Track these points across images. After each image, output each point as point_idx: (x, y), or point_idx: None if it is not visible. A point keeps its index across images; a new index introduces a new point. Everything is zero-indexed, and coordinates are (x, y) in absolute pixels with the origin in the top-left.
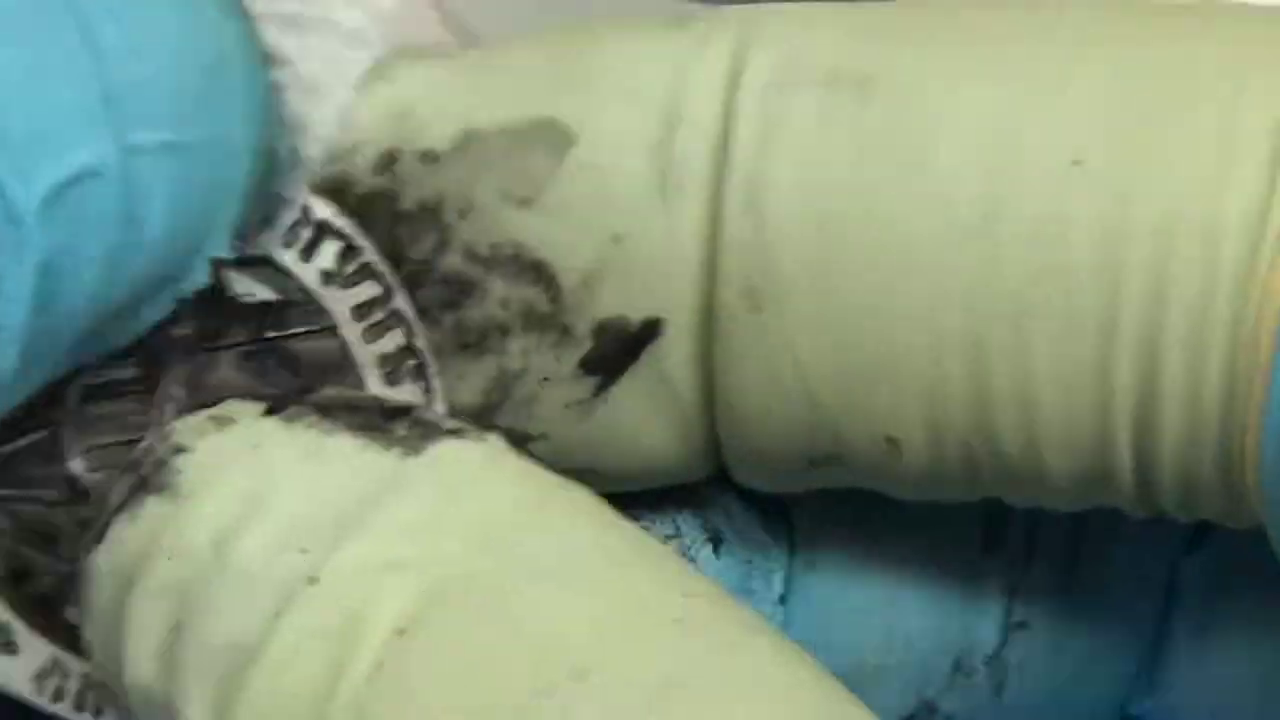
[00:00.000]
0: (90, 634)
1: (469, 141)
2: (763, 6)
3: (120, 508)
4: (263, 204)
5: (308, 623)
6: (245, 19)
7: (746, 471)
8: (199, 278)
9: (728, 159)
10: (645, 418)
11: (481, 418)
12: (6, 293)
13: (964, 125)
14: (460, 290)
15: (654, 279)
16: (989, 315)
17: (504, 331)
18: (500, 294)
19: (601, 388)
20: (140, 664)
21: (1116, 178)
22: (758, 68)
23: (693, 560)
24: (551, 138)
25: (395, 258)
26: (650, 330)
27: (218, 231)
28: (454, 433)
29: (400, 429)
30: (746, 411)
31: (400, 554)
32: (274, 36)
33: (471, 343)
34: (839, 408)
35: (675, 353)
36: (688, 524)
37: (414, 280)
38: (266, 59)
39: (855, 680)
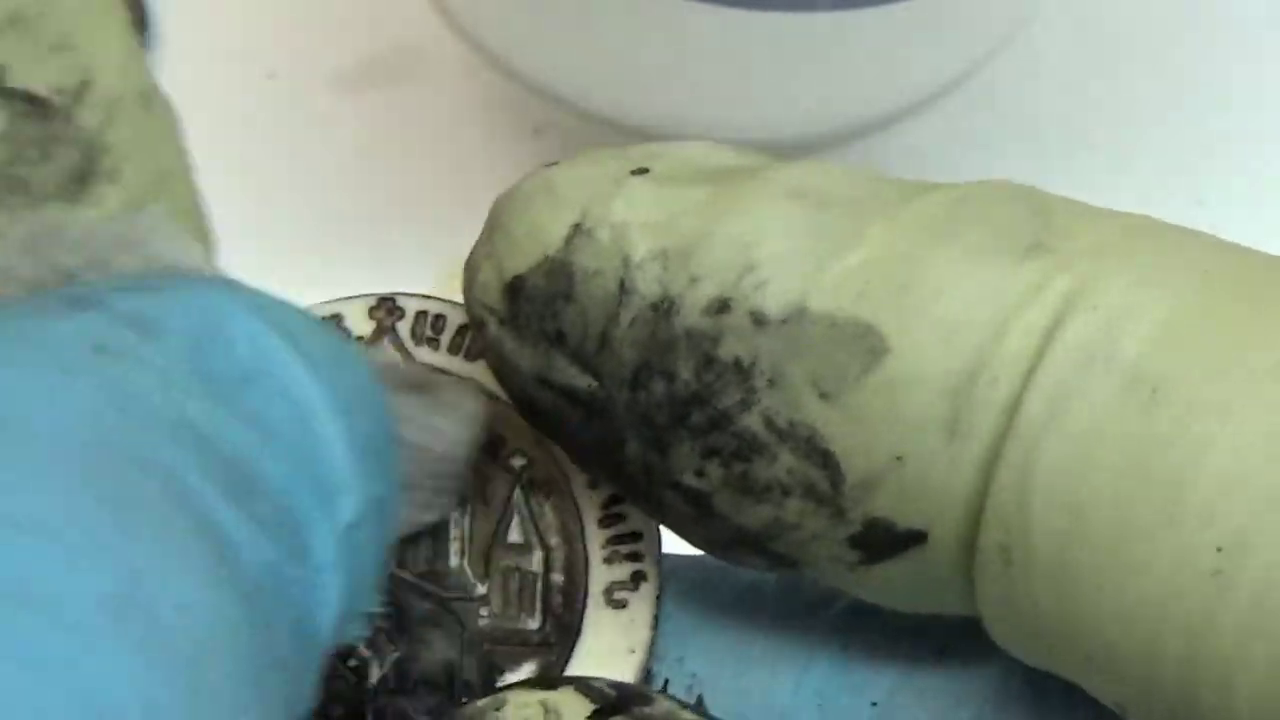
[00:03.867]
0: None
1: (799, 319)
2: (1116, 241)
3: None
4: None
5: None
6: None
7: (1010, 649)
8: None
9: (1013, 426)
10: (908, 588)
11: (756, 543)
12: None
13: (1217, 467)
14: (752, 447)
15: (925, 503)
16: (1206, 647)
17: (785, 492)
18: (788, 464)
19: (866, 561)
20: None
21: None
22: (1072, 339)
23: None
24: (868, 344)
25: (695, 398)
26: (915, 538)
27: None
28: None
29: None
30: (1005, 630)
31: None
32: None
33: (754, 491)
34: (1070, 667)
35: (938, 559)
36: None
37: (704, 417)
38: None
39: None
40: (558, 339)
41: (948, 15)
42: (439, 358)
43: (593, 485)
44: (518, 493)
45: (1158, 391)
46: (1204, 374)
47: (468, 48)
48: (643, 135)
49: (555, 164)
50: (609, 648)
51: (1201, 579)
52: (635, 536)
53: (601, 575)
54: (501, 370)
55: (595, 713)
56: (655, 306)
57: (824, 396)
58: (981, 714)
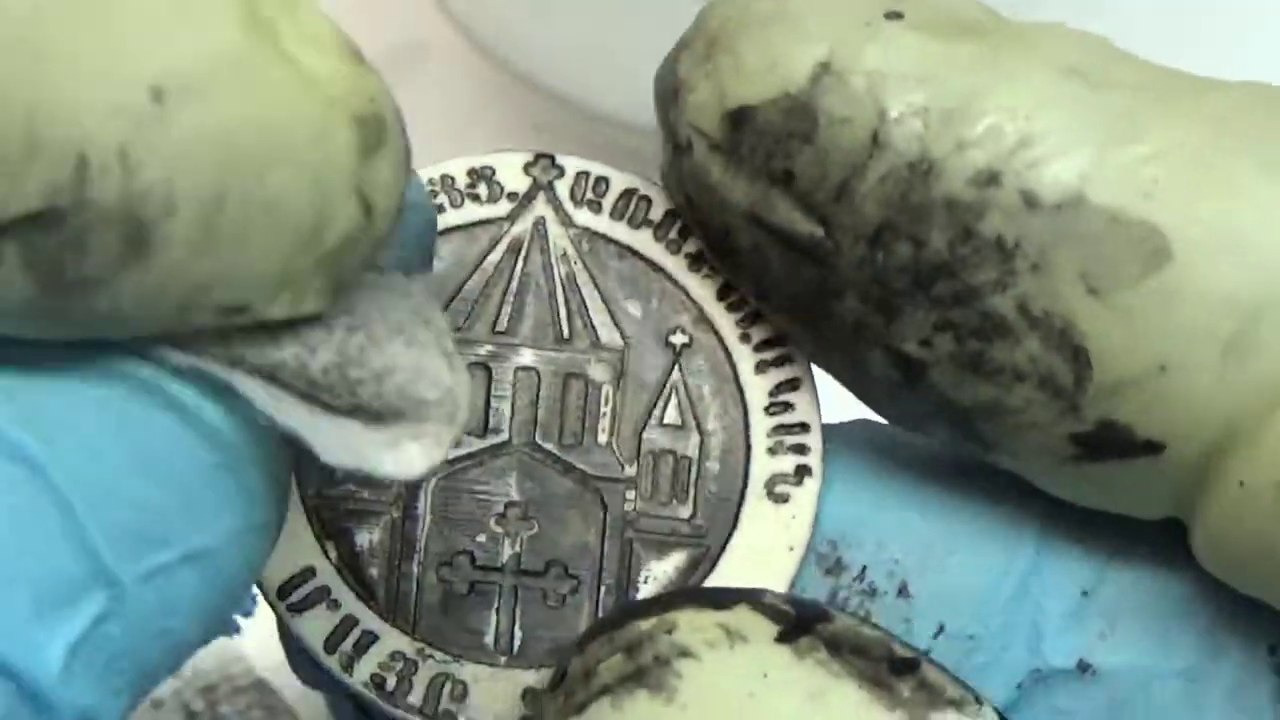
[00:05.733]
0: None
1: (1076, 206)
2: None
3: (606, 690)
4: None
5: None
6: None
7: (1209, 566)
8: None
9: None
10: (1114, 490)
11: (962, 421)
12: None
13: None
14: (997, 329)
15: (1177, 416)
16: None
17: (1019, 378)
18: (1033, 351)
19: (1081, 460)
20: None
21: None
22: None
23: None
24: (1152, 245)
25: (943, 269)
26: (1151, 449)
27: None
28: (955, 703)
29: (906, 689)
30: (1232, 553)
31: None
32: None
33: (983, 371)
34: None
35: (1166, 471)
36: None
37: (948, 289)
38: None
39: None
40: (784, 179)
41: None
42: (601, 221)
43: (744, 338)
44: (676, 371)
45: None
46: None
47: (469, 46)
48: (644, 134)
49: None
50: (767, 544)
51: None
52: (803, 428)
53: (764, 466)
54: (699, 197)
55: (781, 634)
56: (913, 166)
57: (1092, 292)
58: (1189, 608)
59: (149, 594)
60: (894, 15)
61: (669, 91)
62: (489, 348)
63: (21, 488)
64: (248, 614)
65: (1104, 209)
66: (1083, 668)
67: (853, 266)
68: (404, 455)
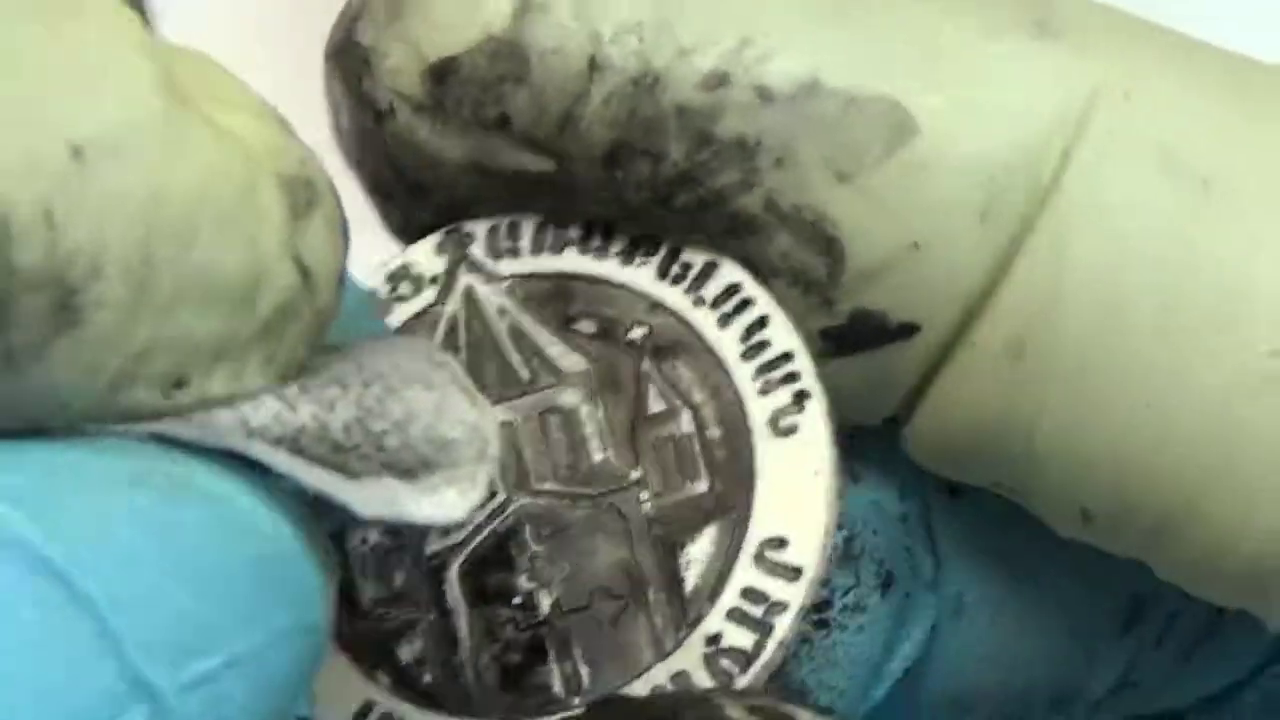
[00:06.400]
0: None
1: (811, 94)
2: (1125, 27)
3: None
4: None
5: None
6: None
7: (925, 459)
8: None
9: (1046, 207)
10: (850, 386)
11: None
12: None
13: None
14: (747, 228)
15: (932, 293)
16: (1242, 457)
17: (772, 273)
18: (783, 247)
19: (828, 354)
20: None
21: None
22: (1108, 119)
23: (862, 610)
24: (894, 120)
25: (684, 178)
26: (904, 333)
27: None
28: None
29: None
30: (952, 431)
31: None
32: None
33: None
34: (1050, 470)
35: (913, 356)
36: (866, 571)
37: (692, 197)
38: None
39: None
40: (499, 123)
41: None
42: (524, 263)
43: (698, 302)
44: (646, 363)
45: (1210, 185)
46: (1256, 171)
47: None
48: None
49: None
50: (790, 479)
51: (1253, 387)
52: (786, 357)
53: (761, 408)
54: (411, 162)
55: None
56: (636, 82)
57: (840, 177)
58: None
59: (193, 704)
60: None
61: (355, 63)
62: None
63: (52, 602)
64: None
65: (840, 91)
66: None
67: (593, 189)
68: (442, 499)
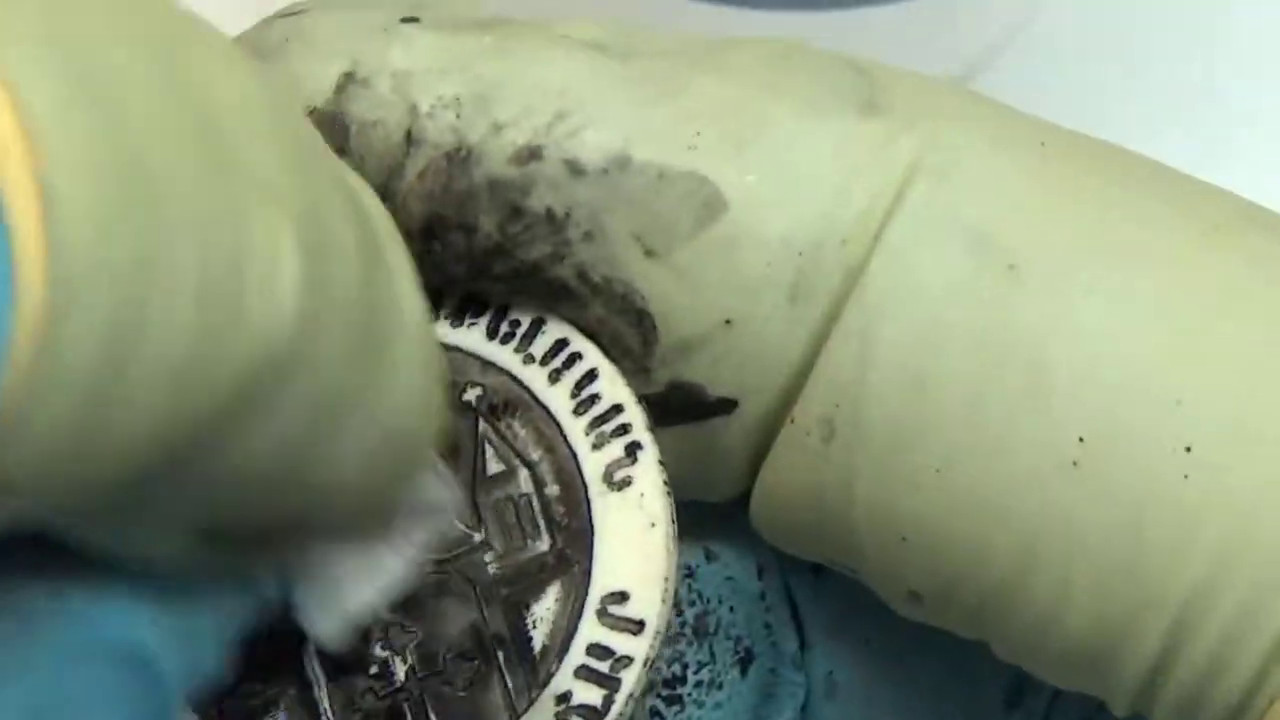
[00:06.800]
0: None
1: (622, 168)
2: (949, 105)
3: None
4: None
5: None
6: None
7: (767, 535)
8: None
9: (857, 288)
10: (683, 461)
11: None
12: None
13: (1087, 352)
14: (563, 294)
15: (747, 369)
16: (1054, 538)
17: (592, 337)
18: (598, 314)
19: (653, 423)
20: None
21: (1222, 477)
22: (921, 199)
23: (719, 686)
24: (703, 197)
25: (498, 250)
26: (725, 407)
27: None
28: None
29: None
30: (781, 508)
31: None
32: None
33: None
34: (870, 549)
35: (740, 431)
36: (721, 648)
37: (508, 268)
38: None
39: None
40: None
41: (949, 14)
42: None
43: (528, 359)
44: (482, 424)
45: (1017, 267)
46: (1064, 252)
47: None
48: None
49: (293, 13)
50: (627, 531)
51: (1060, 468)
52: (616, 409)
53: (595, 462)
54: None
55: None
56: (450, 156)
57: (649, 254)
58: None
59: None
60: (410, 20)
61: None
62: None
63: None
64: None
65: (650, 165)
66: None
67: (416, 261)
68: None
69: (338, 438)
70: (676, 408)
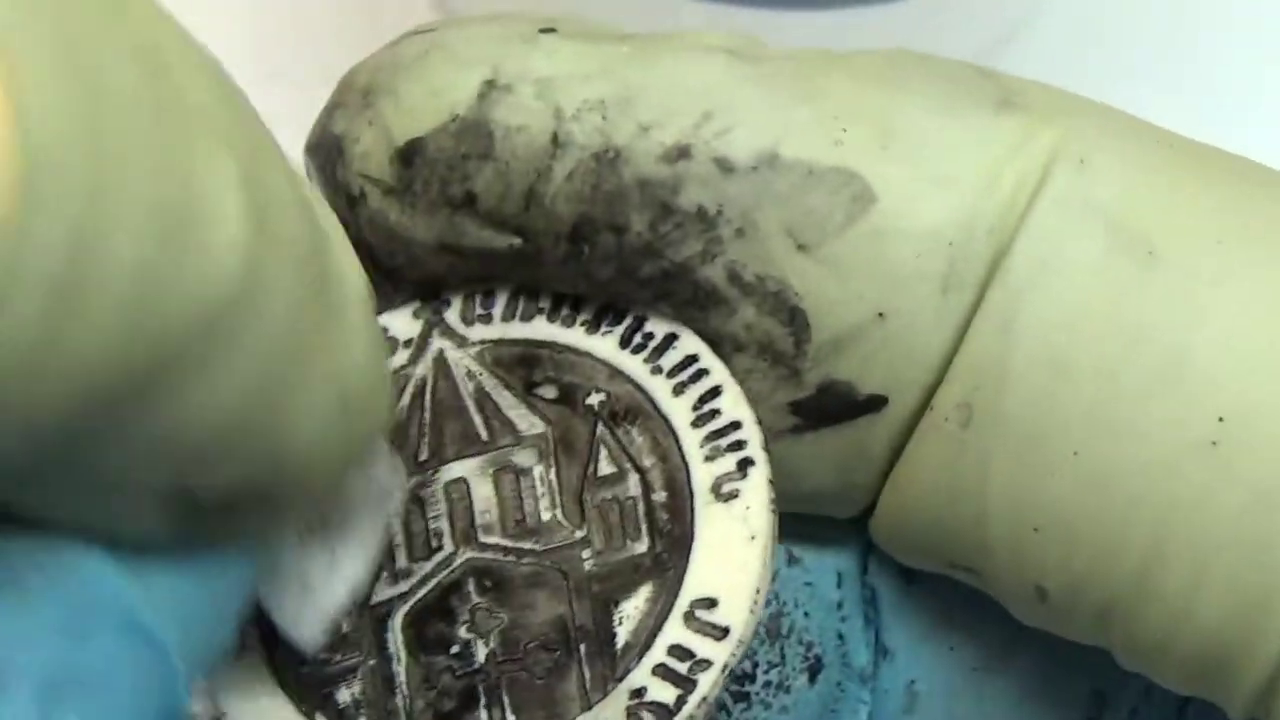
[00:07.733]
0: None
1: (771, 165)
2: (1078, 105)
3: None
4: None
5: None
6: None
7: (886, 540)
8: None
9: (999, 274)
10: (824, 465)
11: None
12: None
13: (1225, 333)
14: (710, 299)
15: (899, 363)
16: (1187, 526)
17: (737, 348)
18: (748, 319)
19: (800, 430)
20: None
21: None
22: (1060, 187)
23: (786, 690)
24: (853, 191)
25: (648, 250)
26: (874, 405)
27: None
28: None
29: None
30: (911, 507)
31: None
32: None
33: (702, 339)
34: (1001, 544)
35: (885, 430)
36: (792, 651)
37: (657, 269)
38: None
39: None
40: (466, 201)
41: (949, 14)
42: (494, 329)
43: (656, 370)
44: (600, 428)
45: (1155, 254)
46: (1201, 239)
47: None
48: None
49: (432, 29)
50: (726, 541)
51: (1198, 449)
52: (734, 426)
53: (705, 474)
54: (381, 245)
55: None
56: (598, 157)
57: (801, 248)
58: None
59: None
60: (548, 30)
61: (330, 152)
62: (415, 480)
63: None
64: None
65: (798, 162)
66: None
67: (558, 265)
68: None
69: (294, 393)
70: (828, 409)
